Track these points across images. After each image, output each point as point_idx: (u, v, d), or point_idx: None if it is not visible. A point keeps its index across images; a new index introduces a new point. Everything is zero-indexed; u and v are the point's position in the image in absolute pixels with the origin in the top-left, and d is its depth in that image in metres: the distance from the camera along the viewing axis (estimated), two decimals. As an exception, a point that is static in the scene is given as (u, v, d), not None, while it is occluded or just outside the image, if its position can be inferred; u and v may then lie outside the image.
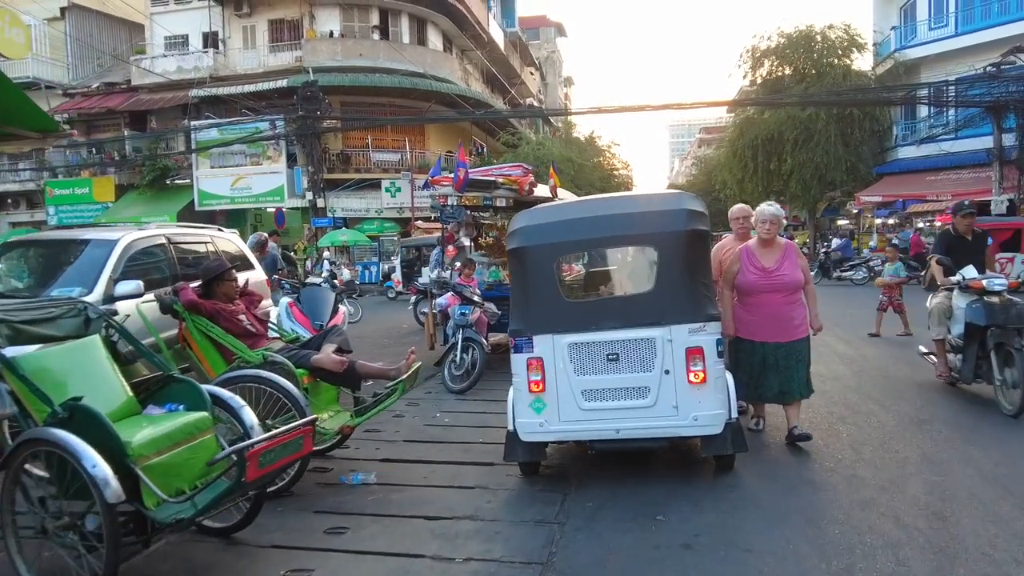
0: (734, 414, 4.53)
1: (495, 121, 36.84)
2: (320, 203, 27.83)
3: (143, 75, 31.47)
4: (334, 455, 5.57)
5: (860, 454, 5.11)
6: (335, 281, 15.72)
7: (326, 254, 23.71)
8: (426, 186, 9.51)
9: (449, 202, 8.37)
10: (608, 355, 4.49)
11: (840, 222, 32.98)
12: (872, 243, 24.53)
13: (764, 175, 31.58)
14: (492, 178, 8.58)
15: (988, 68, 22.47)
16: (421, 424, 6.58)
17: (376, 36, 31.94)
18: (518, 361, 4.65)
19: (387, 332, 12.91)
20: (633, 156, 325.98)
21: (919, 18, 29.36)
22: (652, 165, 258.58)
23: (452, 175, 8.34)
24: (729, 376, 4.63)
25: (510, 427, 4.73)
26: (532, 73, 57.11)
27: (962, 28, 27.40)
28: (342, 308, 6.90)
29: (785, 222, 5.21)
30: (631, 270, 5.75)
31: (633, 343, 4.48)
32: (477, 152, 38.04)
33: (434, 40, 34.39)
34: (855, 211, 32.26)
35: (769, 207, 5.30)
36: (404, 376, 4.96)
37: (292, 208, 29.16)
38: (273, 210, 28.40)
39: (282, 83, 28.66)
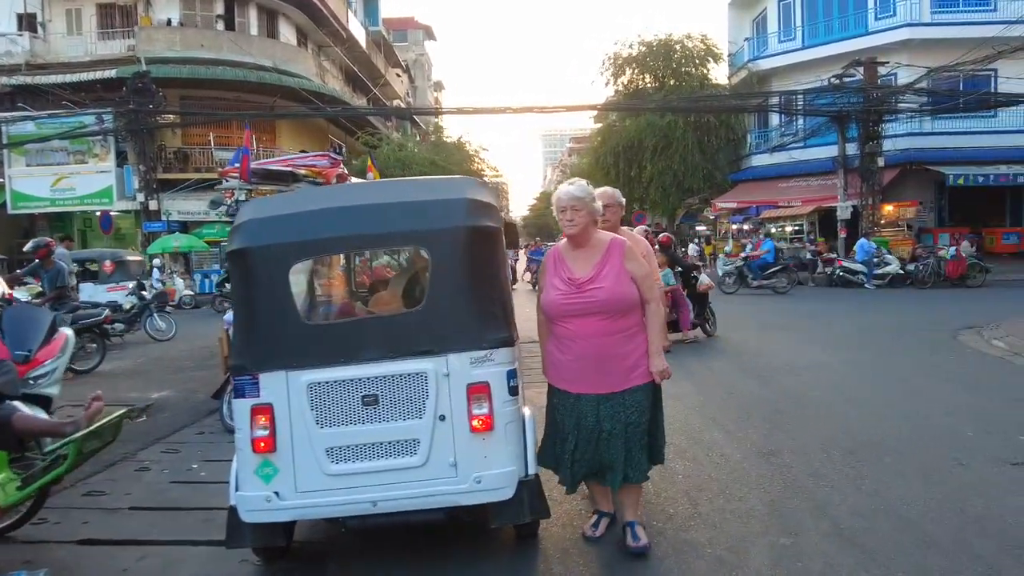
0: (531, 469, 3.43)
1: (356, 121, 35.07)
2: (153, 205, 25.19)
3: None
4: (15, 537, 4.07)
5: (697, 506, 4.14)
6: (143, 292, 13.79)
7: (156, 261, 21.24)
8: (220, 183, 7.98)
9: (236, 196, 6.94)
10: (364, 397, 3.28)
11: (698, 228, 33.58)
12: (727, 248, 24.76)
13: (625, 182, 31.61)
14: (290, 168, 7.22)
15: (832, 80, 23.20)
16: (167, 481, 5.13)
17: (221, 26, 29.54)
18: (240, 409, 3.35)
19: (197, 352, 11.17)
20: (509, 166, 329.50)
21: (770, 30, 30.27)
22: (527, 175, 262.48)
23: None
24: (528, 417, 3.53)
25: (231, 501, 3.42)
26: (399, 75, 55.49)
27: (808, 42, 28.42)
28: (63, 332, 5.32)
29: (599, 204, 3.71)
30: (398, 281, 4.57)
31: (397, 380, 3.29)
32: (335, 151, 36.11)
33: (286, 34, 32.28)
34: (712, 217, 32.90)
35: (569, 186, 3.58)
36: (80, 432, 3.54)
37: (123, 211, 26.34)
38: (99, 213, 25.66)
39: (111, 73, 25.76)
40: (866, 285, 19.68)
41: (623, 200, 4.35)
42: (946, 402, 6.49)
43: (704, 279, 11.12)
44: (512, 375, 3.38)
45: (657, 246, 9.75)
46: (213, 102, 28.70)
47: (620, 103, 31.39)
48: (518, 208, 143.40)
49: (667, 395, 6.67)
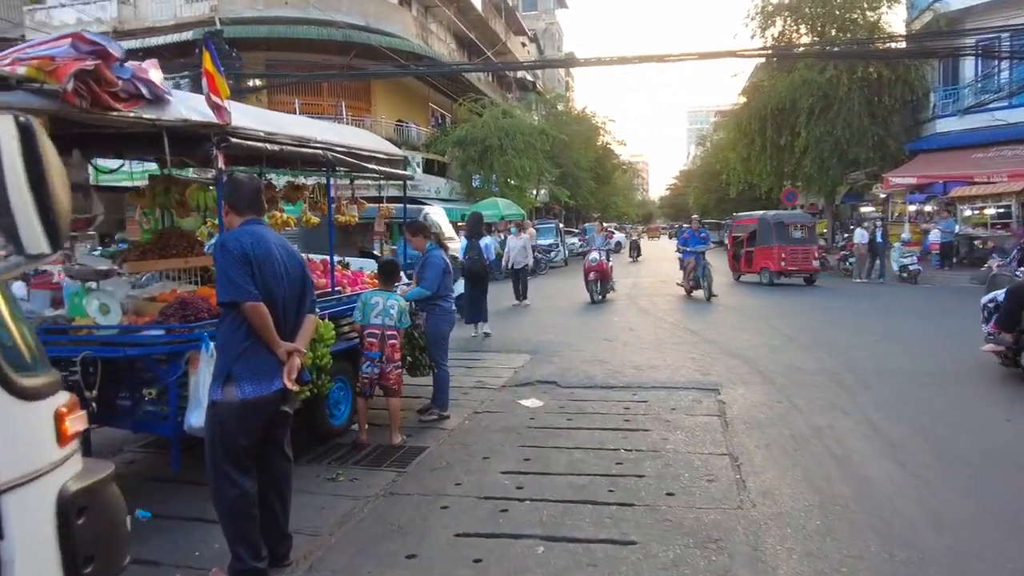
0: None
1: (464, 88, 31.46)
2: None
3: (39, 27, 26.68)
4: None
5: None
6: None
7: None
8: None
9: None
10: None
11: (864, 209, 27.58)
12: (905, 235, 19.22)
13: (774, 152, 26.37)
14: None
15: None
16: None
17: (310, -17, 26.96)
18: None
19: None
20: (651, 145, 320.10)
21: (964, -42, 23.79)
22: (671, 153, 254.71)
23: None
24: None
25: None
26: (524, 44, 51.87)
27: (1019, -31, 21.92)
28: None
29: None
30: None
31: None
32: (437, 122, 32.99)
33: (386, -9, 29.32)
34: (883, 196, 26.79)
35: None
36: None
37: (201, 186, 24.36)
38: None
39: (188, 36, 23.77)
40: None
41: None
42: None
43: None
44: None
45: None
46: (304, 67, 26.32)
47: (765, 49, 25.95)
48: (657, 188, 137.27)
49: None
